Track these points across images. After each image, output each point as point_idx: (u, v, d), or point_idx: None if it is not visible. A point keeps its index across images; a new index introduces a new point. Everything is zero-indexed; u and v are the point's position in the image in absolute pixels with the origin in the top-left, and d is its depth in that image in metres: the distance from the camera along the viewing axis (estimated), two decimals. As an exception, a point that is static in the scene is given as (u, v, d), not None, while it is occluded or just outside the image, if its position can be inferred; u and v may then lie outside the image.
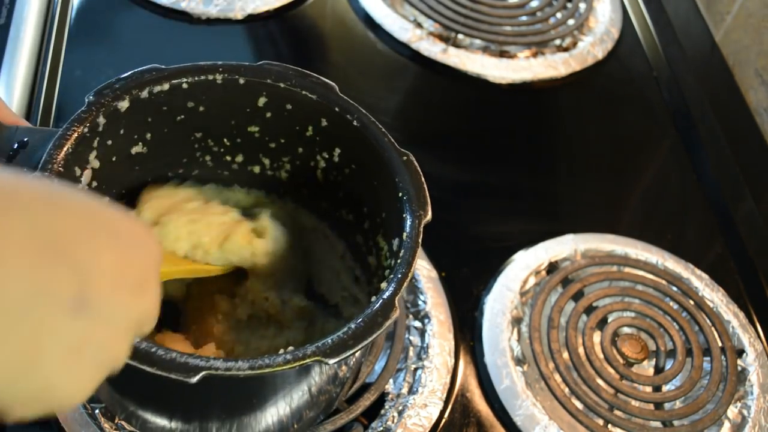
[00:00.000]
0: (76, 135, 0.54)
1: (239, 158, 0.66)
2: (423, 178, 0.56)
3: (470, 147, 0.91)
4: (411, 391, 0.67)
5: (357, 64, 0.96)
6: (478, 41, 0.97)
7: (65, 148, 0.53)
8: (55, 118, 0.80)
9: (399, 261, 0.52)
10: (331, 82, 0.61)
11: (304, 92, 0.60)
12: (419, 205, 0.55)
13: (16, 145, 0.56)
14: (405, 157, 0.57)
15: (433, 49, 0.95)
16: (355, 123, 0.59)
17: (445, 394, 0.67)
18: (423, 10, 0.98)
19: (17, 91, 0.80)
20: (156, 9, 0.92)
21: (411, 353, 0.69)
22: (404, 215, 0.55)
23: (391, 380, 0.67)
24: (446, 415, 0.67)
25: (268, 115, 0.63)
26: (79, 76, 0.85)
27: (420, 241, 0.53)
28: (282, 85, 0.61)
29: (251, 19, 0.94)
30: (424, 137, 0.89)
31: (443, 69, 0.95)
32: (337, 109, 0.60)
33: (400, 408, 0.65)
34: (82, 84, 0.84)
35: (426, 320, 0.71)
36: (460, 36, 0.97)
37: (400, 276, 0.51)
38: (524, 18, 1.01)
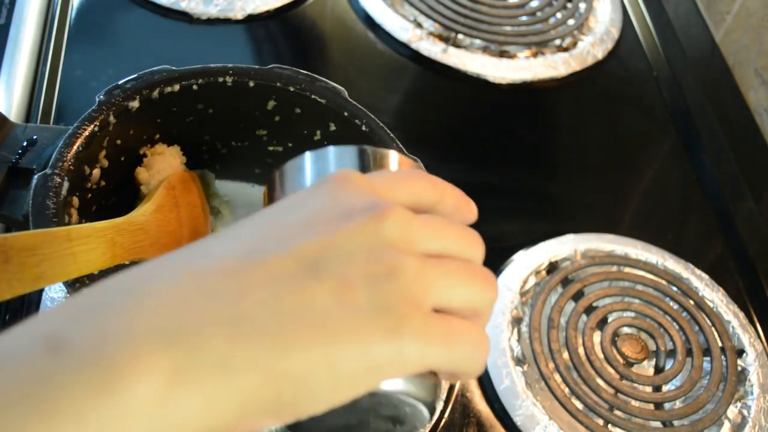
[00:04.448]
0: (86, 133, 0.54)
1: (246, 161, 0.66)
2: None
3: (470, 147, 0.91)
4: (411, 391, 0.66)
5: (357, 64, 0.96)
6: (478, 41, 0.97)
7: (76, 146, 0.53)
8: (55, 118, 0.80)
9: None
10: (340, 87, 0.61)
11: (313, 96, 0.61)
12: None
13: (25, 143, 0.56)
14: None
15: (433, 49, 0.95)
16: (363, 128, 0.59)
17: (444, 394, 0.67)
18: (423, 10, 0.98)
19: (17, 91, 0.80)
20: (156, 9, 0.92)
21: (411, 353, 0.69)
22: None
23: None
24: (446, 415, 0.67)
25: (277, 118, 0.63)
26: (79, 76, 0.85)
27: None
28: (291, 88, 0.61)
29: (251, 19, 0.94)
30: (424, 137, 0.89)
31: (443, 69, 0.95)
32: (346, 114, 0.60)
33: (400, 408, 0.65)
34: (82, 84, 0.84)
35: (426, 320, 0.71)
36: (460, 36, 0.97)
37: None
38: (524, 18, 1.01)
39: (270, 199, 0.39)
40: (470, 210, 0.37)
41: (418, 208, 0.34)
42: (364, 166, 0.37)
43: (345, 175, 0.33)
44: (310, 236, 0.30)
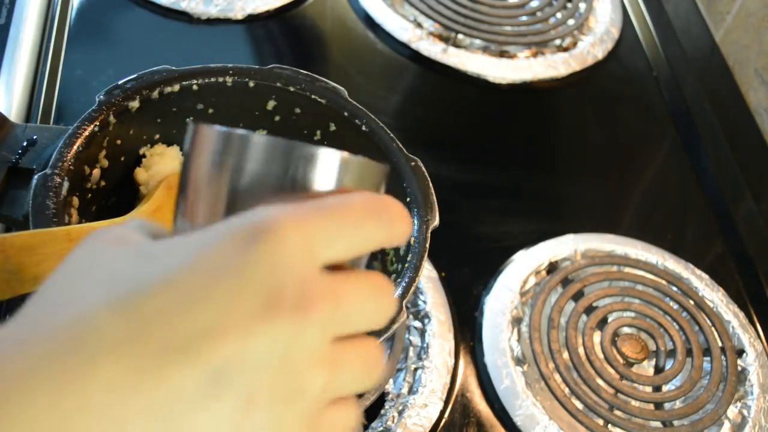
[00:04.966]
0: (86, 133, 0.54)
1: None
2: (431, 184, 0.57)
3: (470, 147, 0.91)
4: (411, 391, 0.66)
5: (357, 64, 0.96)
6: (478, 41, 0.97)
7: (76, 146, 0.53)
8: (55, 118, 0.80)
9: (407, 265, 0.52)
10: (340, 87, 0.61)
11: (313, 96, 0.61)
12: (426, 210, 0.55)
13: (25, 143, 0.56)
14: (413, 163, 0.58)
15: (433, 49, 0.95)
16: (363, 128, 0.60)
17: (445, 394, 0.67)
18: (423, 10, 0.98)
19: (17, 91, 0.80)
20: (156, 9, 0.92)
21: (411, 353, 0.69)
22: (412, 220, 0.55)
23: (390, 380, 0.67)
24: (446, 415, 0.67)
25: (277, 118, 0.63)
26: (79, 76, 0.85)
27: (428, 246, 0.53)
28: (291, 88, 0.61)
29: (251, 19, 0.94)
30: (424, 137, 0.89)
31: (443, 69, 0.95)
32: (345, 114, 0.60)
33: (400, 408, 0.65)
34: (82, 84, 0.84)
35: (426, 320, 0.71)
36: (460, 36, 0.97)
37: (407, 280, 0.51)
38: (524, 18, 1.01)
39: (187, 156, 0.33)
40: (405, 229, 0.33)
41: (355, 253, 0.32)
42: (290, 169, 0.33)
43: (276, 231, 0.27)
44: (222, 333, 0.26)
